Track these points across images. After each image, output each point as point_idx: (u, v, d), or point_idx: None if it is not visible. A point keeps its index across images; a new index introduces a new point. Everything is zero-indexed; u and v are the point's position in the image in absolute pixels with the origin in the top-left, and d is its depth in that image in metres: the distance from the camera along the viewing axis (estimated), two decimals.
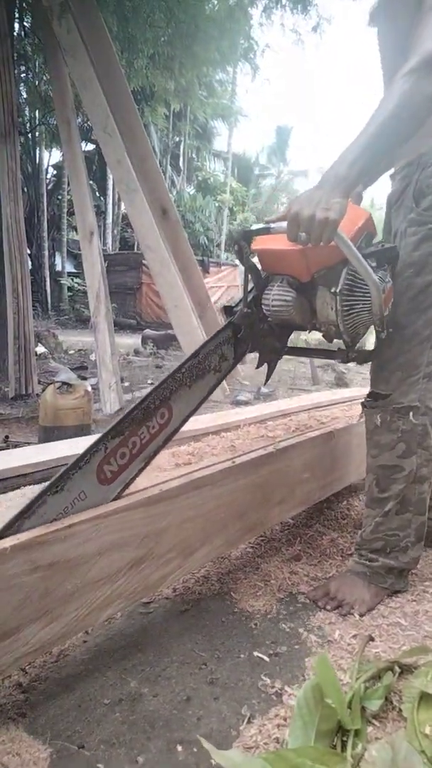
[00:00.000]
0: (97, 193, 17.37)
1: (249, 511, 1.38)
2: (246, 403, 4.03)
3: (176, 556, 1.16)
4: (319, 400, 2.77)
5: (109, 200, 17.65)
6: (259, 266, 1.30)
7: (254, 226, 1.23)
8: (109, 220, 17.95)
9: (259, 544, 1.66)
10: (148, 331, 8.57)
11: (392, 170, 1.37)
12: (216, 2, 5.39)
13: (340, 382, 5.22)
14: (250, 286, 1.31)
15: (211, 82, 8.28)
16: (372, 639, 1.17)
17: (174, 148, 20.85)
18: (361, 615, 1.28)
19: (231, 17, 5.42)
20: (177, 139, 20.94)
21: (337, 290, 1.16)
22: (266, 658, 1.13)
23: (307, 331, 1.36)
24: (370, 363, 1.38)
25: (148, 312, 13.46)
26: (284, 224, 1.11)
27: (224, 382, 4.34)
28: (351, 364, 6.63)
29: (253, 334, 1.33)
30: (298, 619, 1.28)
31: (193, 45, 5.32)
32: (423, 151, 1.24)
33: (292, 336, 1.52)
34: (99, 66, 4.18)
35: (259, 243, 1.24)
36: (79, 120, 7.52)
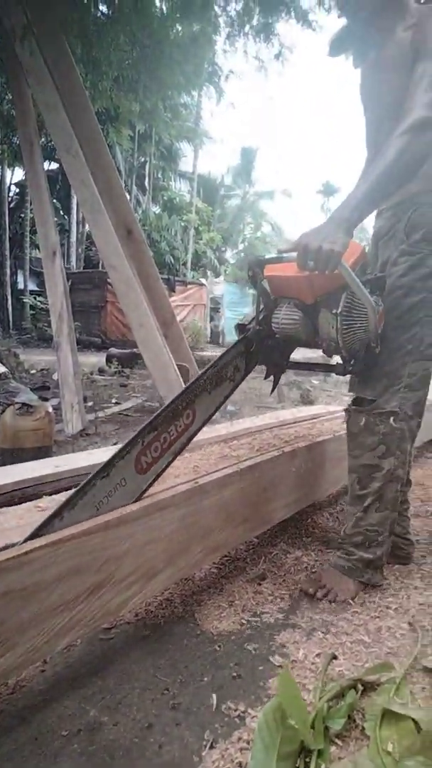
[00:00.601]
0: (61, 212, 17.30)
1: (213, 531, 1.38)
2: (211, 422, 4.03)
3: (138, 579, 1.15)
4: (284, 417, 2.79)
5: (73, 219, 17.60)
6: (268, 290, 1.49)
7: (267, 256, 1.46)
8: (74, 238, 17.88)
9: (224, 564, 1.65)
10: (112, 350, 8.51)
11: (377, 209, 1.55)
12: (180, 28, 5.49)
13: (305, 400, 5.28)
14: (261, 307, 1.51)
15: (176, 105, 8.39)
16: (335, 657, 1.17)
17: (139, 168, 20.98)
18: (345, 600, 1.44)
19: (195, 43, 5.53)
20: (142, 159, 21.09)
21: (338, 312, 1.33)
22: (230, 681, 1.12)
23: (310, 347, 1.53)
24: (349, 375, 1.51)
25: (113, 330, 13.39)
26: (293, 254, 1.29)
27: None
28: (316, 382, 6.74)
29: (262, 348, 1.52)
30: (262, 639, 1.27)
31: (158, 69, 5.39)
32: (414, 191, 1.43)
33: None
34: (62, 88, 4.19)
35: (270, 270, 1.44)
36: (43, 140, 7.52)
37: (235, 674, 1.14)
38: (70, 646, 1.19)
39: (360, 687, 1.03)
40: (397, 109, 1.34)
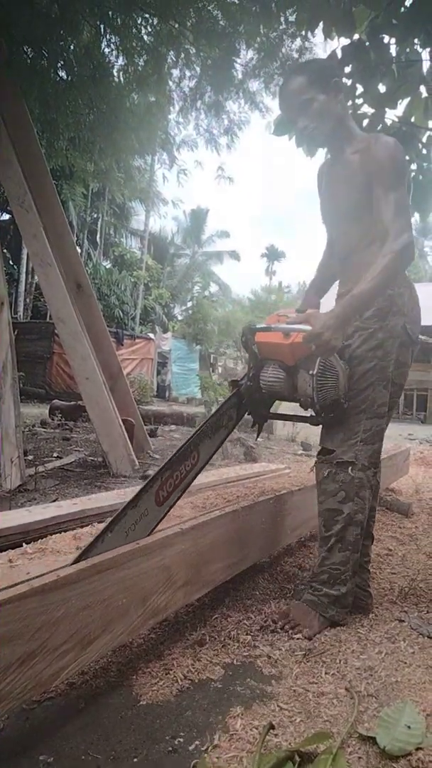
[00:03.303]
0: (11, 261, 17.22)
1: (153, 594, 1.35)
2: None
3: (72, 647, 1.10)
4: (227, 476, 2.81)
5: (23, 269, 17.53)
6: (257, 353, 1.75)
7: (259, 325, 1.73)
8: (22, 288, 17.75)
9: (163, 629, 1.61)
10: (56, 402, 8.33)
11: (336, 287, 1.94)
12: (136, 98, 5.77)
13: (249, 457, 5.31)
14: (251, 366, 1.78)
15: (130, 167, 8.68)
16: (273, 727, 1.15)
17: (92, 223, 21.33)
18: (308, 637, 1.57)
19: (149, 112, 5.82)
20: (95, 215, 21.48)
21: (314, 373, 1.60)
22: (165, 755, 1.07)
23: (290, 402, 1.78)
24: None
25: (57, 381, 13.16)
26: (281, 325, 1.65)
27: (133, 455, 4.29)
28: (260, 440, 6.81)
29: (251, 401, 1.78)
30: (200, 710, 1.23)
31: (113, 133, 5.60)
32: None
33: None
34: (18, 144, 4.28)
35: (260, 337, 1.71)
36: None
37: (170, 748, 1.09)
38: None
39: (297, 758, 1.01)
40: (348, 215, 1.75)
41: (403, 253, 1.56)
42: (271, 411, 1.93)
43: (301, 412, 1.82)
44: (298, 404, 1.75)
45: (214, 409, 1.67)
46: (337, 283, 1.97)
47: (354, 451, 1.66)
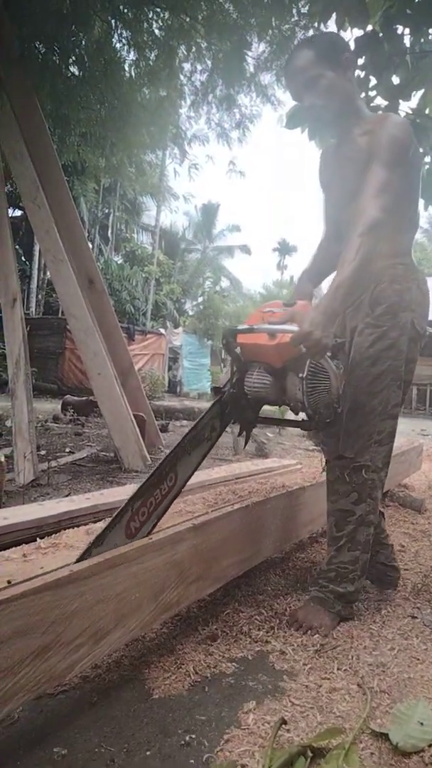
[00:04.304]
0: (23, 258, 17.30)
1: (165, 589, 1.36)
2: None
3: (86, 641, 1.11)
4: (239, 471, 2.81)
5: (35, 265, 17.61)
6: (240, 356, 1.61)
7: (239, 327, 1.58)
8: (34, 284, 17.85)
9: (175, 624, 1.61)
10: (68, 397, 8.38)
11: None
12: (147, 92, 5.76)
13: (260, 453, 5.31)
14: (234, 370, 1.64)
15: (141, 162, 8.68)
16: (285, 722, 1.15)
17: (103, 219, 21.37)
18: (325, 635, 1.57)
19: (161, 107, 5.81)
20: (106, 211, 21.52)
21: (304, 376, 1.49)
22: (177, 749, 1.08)
23: (278, 406, 1.70)
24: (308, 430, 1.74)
25: (70, 377, 13.23)
26: (264, 326, 1.51)
27: (145, 451, 4.31)
28: (271, 435, 6.81)
29: (235, 408, 1.65)
30: (212, 704, 1.24)
31: (125, 128, 5.61)
32: (375, 269, 1.61)
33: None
34: (30, 141, 4.30)
35: (243, 339, 1.57)
36: (9, 187, 7.61)
37: (183, 742, 1.10)
38: (11, 714, 1.13)
39: (309, 754, 1.01)
40: (354, 197, 1.58)
41: (372, 232, 1.48)
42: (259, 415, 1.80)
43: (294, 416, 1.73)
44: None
45: (193, 423, 1.55)
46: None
47: (369, 454, 1.65)
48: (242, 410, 1.67)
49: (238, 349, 1.60)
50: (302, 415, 1.61)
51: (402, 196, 1.60)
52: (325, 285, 1.78)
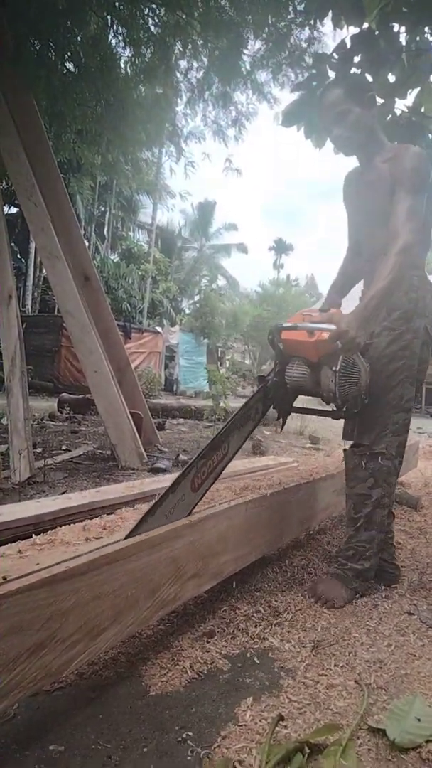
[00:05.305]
0: (19, 255, 17.25)
1: (162, 586, 1.35)
2: (164, 471, 3.99)
3: (82, 638, 1.11)
4: (235, 468, 2.80)
5: (31, 262, 17.56)
6: (282, 350, 1.81)
7: (285, 324, 1.78)
8: (30, 282, 17.79)
9: (172, 620, 1.61)
10: (64, 395, 8.35)
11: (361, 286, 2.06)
12: (143, 89, 5.73)
13: (257, 450, 5.31)
14: (277, 362, 1.86)
15: (138, 160, 8.64)
16: (282, 719, 1.15)
17: (99, 216, 21.31)
18: (341, 606, 1.75)
19: (157, 104, 5.79)
20: (102, 208, 21.46)
21: (337, 369, 1.69)
22: (174, 745, 1.08)
23: (313, 396, 1.88)
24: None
25: (66, 375, 13.20)
26: (307, 324, 1.70)
27: (142, 448, 4.30)
28: (268, 433, 6.81)
29: (276, 395, 1.88)
30: (209, 701, 1.24)
31: (121, 125, 5.57)
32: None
33: None
34: (26, 138, 4.28)
35: (286, 335, 1.77)
36: (4, 184, 7.58)
37: (180, 739, 1.10)
38: (5, 712, 1.12)
39: (307, 750, 1.01)
40: (377, 219, 1.85)
41: (406, 253, 1.69)
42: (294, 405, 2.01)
43: (324, 407, 1.91)
44: (320, 399, 1.84)
45: (242, 403, 1.77)
46: (361, 283, 2.11)
47: (385, 443, 1.82)
48: (281, 398, 1.90)
49: (281, 345, 1.80)
50: (332, 407, 1.82)
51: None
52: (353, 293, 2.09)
